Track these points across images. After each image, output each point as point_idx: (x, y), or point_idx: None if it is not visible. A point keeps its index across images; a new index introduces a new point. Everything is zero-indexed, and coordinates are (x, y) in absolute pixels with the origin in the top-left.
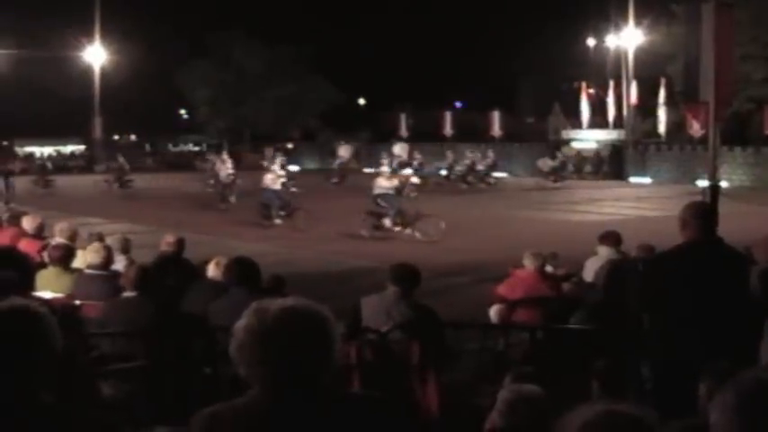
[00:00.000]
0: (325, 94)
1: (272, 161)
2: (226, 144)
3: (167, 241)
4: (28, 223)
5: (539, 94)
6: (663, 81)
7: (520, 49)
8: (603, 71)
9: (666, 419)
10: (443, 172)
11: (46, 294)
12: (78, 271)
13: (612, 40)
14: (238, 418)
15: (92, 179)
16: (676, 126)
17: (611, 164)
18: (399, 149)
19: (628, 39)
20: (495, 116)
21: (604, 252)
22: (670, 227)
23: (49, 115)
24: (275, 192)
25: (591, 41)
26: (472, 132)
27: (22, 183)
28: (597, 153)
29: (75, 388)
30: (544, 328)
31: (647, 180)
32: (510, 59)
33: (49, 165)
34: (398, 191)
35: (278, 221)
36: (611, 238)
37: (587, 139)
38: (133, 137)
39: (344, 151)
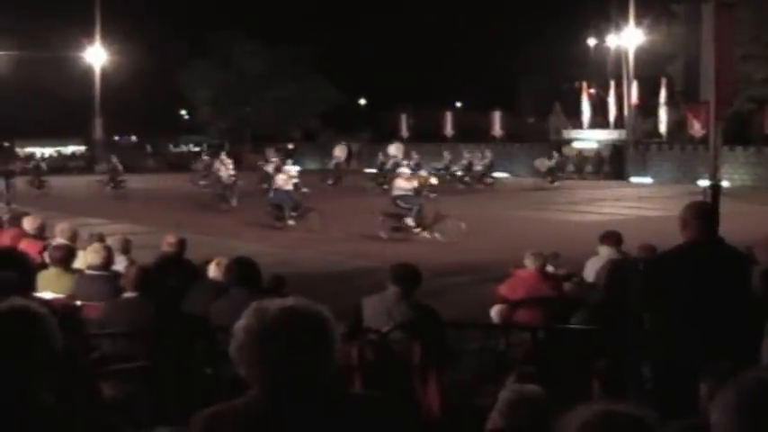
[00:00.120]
0: (325, 94)
1: (267, 162)
2: (227, 144)
3: (168, 242)
4: (29, 224)
5: (539, 94)
6: (663, 81)
7: (520, 49)
8: (604, 71)
9: (667, 419)
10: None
11: (47, 295)
12: (79, 271)
13: (613, 40)
14: (238, 418)
15: (85, 180)
16: (677, 126)
17: (612, 164)
18: (395, 150)
19: (628, 38)
20: (496, 116)
21: (605, 252)
22: (671, 227)
23: (50, 116)
24: (287, 192)
25: (591, 41)
26: (473, 132)
27: (18, 183)
28: (598, 153)
29: (75, 388)
30: (545, 329)
31: (647, 180)
32: (510, 59)
33: (44, 165)
34: (417, 192)
35: (291, 222)
36: (612, 238)
37: (588, 138)
38: (134, 137)
39: (339, 151)
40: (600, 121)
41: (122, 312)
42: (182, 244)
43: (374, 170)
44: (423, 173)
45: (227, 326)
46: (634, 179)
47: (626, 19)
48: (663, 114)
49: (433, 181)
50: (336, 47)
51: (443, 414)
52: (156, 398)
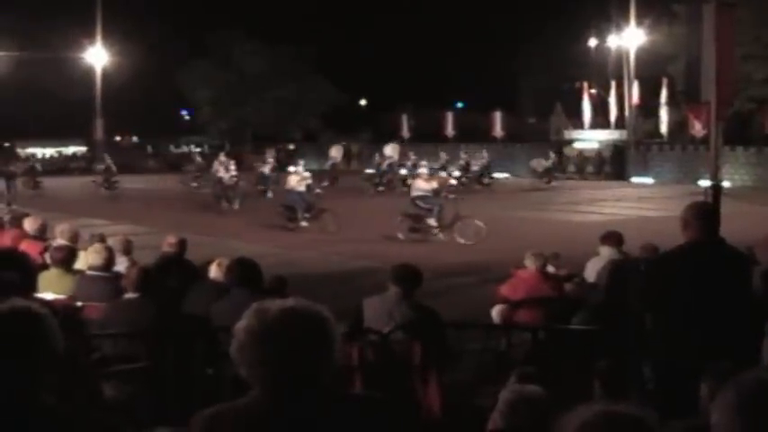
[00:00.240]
0: (325, 94)
1: (263, 163)
2: (227, 145)
3: (169, 242)
4: (30, 225)
5: (540, 95)
6: (664, 81)
7: (521, 50)
8: (605, 71)
9: (668, 420)
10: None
11: (48, 296)
12: (80, 272)
13: (614, 40)
14: (239, 418)
15: (80, 181)
16: (678, 126)
17: (613, 164)
18: (391, 150)
19: (629, 39)
20: (497, 116)
21: (606, 252)
22: (672, 227)
23: (51, 117)
24: (300, 194)
25: (592, 41)
26: (474, 133)
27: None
28: (599, 153)
29: (76, 389)
30: (546, 329)
31: (648, 180)
32: (511, 60)
33: (38, 166)
34: (437, 192)
35: (304, 224)
36: (613, 238)
37: (589, 139)
38: (135, 138)
39: (336, 152)
40: (601, 121)
41: (123, 313)
42: (182, 244)
43: (372, 170)
44: (443, 174)
45: (228, 326)
46: (635, 179)
47: (627, 19)
48: (664, 114)
49: (453, 181)
50: (337, 47)
51: (444, 414)
52: (156, 398)
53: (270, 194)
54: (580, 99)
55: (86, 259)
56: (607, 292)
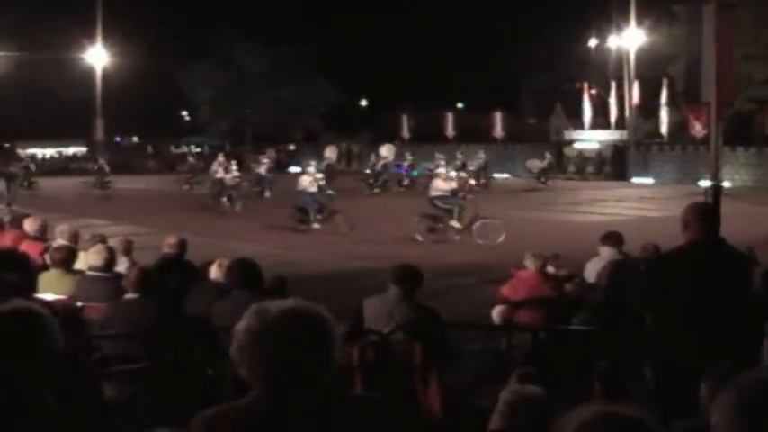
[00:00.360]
0: (326, 95)
1: (259, 164)
2: (227, 145)
3: (169, 243)
4: (30, 225)
5: (540, 95)
6: (665, 81)
7: (521, 50)
8: (605, 72)
9: (669, 420)
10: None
11: (48, 296)
12: (80, 273)
13: (614, 41)
14: (238, 418)
15: (74, 181)
16: (678, 126)
17: (614, 164)
18: (386, 151)
19: (629, 39)
20: (497, 117)
21: (606, 253)
22: (672, 227)
23: (51, 117)
24: (312, 195)
25: (592, 42)
26: (474, 133)
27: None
28: (599, 153)
29: (77, 389)
30: (546, 329)
31: (649, 180)
32: (511, 60)
33: (33, 166)
34: (455, 193)
35: (316, 226)
36: (613, 238)
37: (589, 139)
38: (135, 138)
39: (330, 152)
40: (601, 121)
41: (123, 313)
42: (182, 245)
43: (368, 171)
44: (462, 174)
45: (228, 327)
46: (635, 180)
47: (627, 19)
48: (664, 115)
49: (472, 182)
50: (337, 47)
51: (444, 415)
52: (156, 399)
53: (267, 194)
54: (580, 99)
55: (86, 260)
56: (607, 292)
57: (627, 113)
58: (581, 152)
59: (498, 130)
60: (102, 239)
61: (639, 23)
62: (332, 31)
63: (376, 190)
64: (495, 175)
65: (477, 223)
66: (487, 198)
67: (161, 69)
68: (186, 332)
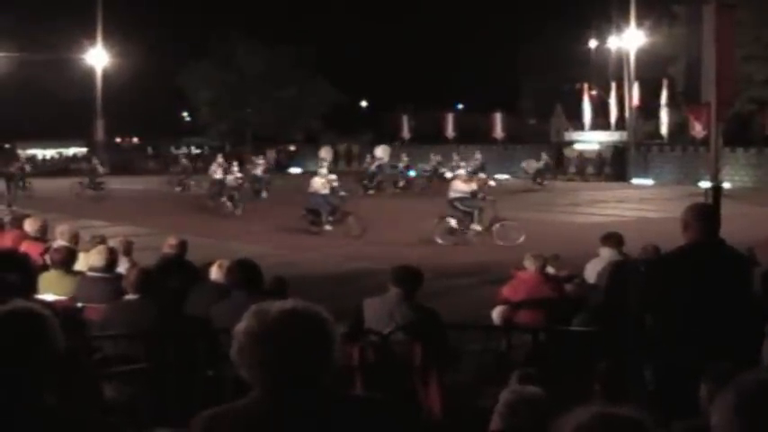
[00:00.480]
0: (326, 95)
1: (255, 165)
2: (228, 146)
3: (170, 244)
4: (30, 226)
5: (540, 96)
6: (665, 82)
7: (521, 50)
8: (605, 72)
9: (669, 420)
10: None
11: (48, 297)
12: (80, 273)
13: (614, 42)
14: (238, 419)
15: (69, 182)
16: (678, 127)
17: (614, 165)
18: (381, 152)
19: (629, 40)
20: (497, 118)
21: (606, 253)
22: (672, 228)
23: (51, 118)
24: (324, 197)
25: (592, 43)
26: (474, 134)
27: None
28: (599, 154)
29: (77, 390)
30: (546, 330)
31: (649, 181)
32: (511, 61)
33: (28, 167)
34: (474, 194)
35: (328, 228)
36: (613, 239)
37: (589, 140)
38: (135, 139)
39: (325, 153)
40: (601, 122)
41: (124, 314)
42: (183, 246)
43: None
44: (482, 175)
45: (228, 328)
46: (635, 180)
47: (627, 20)
48: (664, 116)
49: (492, 183)
50: (337, 47)
51: (444, 415)
52: (156, 399)
53: (264, 194)
54: (580, 100)
55: (87, 260)
56: (607, 293)
57: (627, 114)
58: (581, 153)
59: (498, 131)
60: (103, 240)
61: (639, 24)
62: (332, 31)
63: (371, 191)
64: (496, 176)
65: (497, 225)
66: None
67: (161, 70)
68: (186, 333)
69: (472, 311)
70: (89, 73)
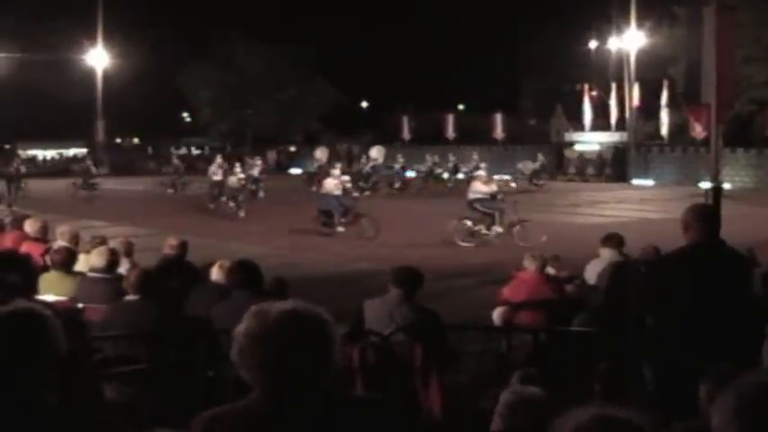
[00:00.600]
0: (326, 96)
1: (253, 166)
2: (228, 146)
3: (170, 244)
4: (30, 226)
5: (541, 96)
6: (665, 83)
7: (521, 51)
8: (605, 73)
9: (669, 421)
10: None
11: (49, 297)
12: (80, 274)
13: (614, 42)
14: (238, 420)
15: (66, 182)
16: (679, 128)
17: (614, 166)
18: (376, 152)
19: (630, 41)
20: (498, 118)
21: (607, 254)
22: (672, 229)
23: (52, 118)
24: (337, 198)
25: (593, 43)
26: (474, 135)
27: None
28: (600, 155)
29: (78, 390)
30: (547, 331)
31: (649, 182)
32: (512, 61)
33: (23, 168)
34: (494, 196)
35: (341, 229)
36: (614, 240)
37: (590, 141)
38: (136, 140)
39: (321, 153)
40: (601, 123)
41: (124, 315)
42: (183, 246)
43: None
44: (505, 177)
45: (229, 329)
46: (636, 181)
47: (627, 21)
48: (664, 116)
49: (513, 185)
50: (337, 47)
51: (445, 416)
52: (157, 400)
53: (261, 195)
54: (581, 101)
55: (87, 261)
56: (607, 293)
57: (627, 115)
58: (581, 154)
59: (498, 132)
60: (103, 241)
61: (640, 25)
62: (332, 31)
63: (366, 192)
64: (495, 177)
65: (518, 226)
66: None
67: (161, 70)
68: (187, 333)
69: (472, 312)
70: (89, 74)
